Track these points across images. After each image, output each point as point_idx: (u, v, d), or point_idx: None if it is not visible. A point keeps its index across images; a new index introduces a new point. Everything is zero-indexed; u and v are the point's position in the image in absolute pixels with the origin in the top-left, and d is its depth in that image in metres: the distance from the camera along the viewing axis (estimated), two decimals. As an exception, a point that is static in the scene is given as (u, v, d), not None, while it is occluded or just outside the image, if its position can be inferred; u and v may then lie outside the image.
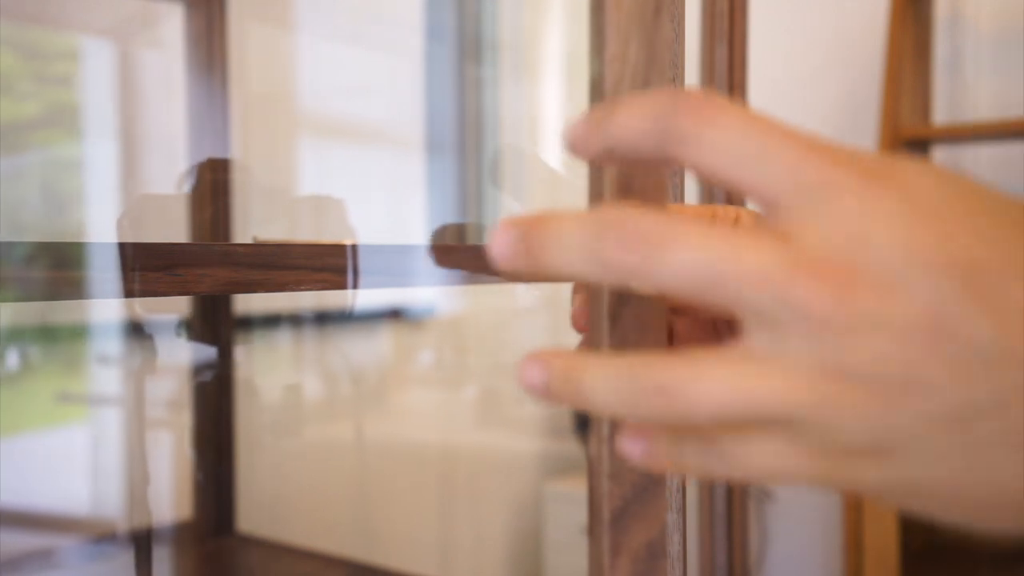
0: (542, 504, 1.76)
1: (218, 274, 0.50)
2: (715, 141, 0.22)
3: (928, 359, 0.21)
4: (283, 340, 1.46)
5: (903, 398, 0.21)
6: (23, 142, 2.16)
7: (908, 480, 0.22)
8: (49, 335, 0.62)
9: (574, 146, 0.24)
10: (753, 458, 0.23)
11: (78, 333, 0.64)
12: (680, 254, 0.21)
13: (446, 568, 1.73)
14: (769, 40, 1.70)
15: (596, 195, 0.25)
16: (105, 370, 1.78)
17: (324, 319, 1.37)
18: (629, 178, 0.24)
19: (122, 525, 0.61)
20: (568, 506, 1.70)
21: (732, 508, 0.85)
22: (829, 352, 0.21)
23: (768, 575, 1.75)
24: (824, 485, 0.23)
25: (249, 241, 0.70)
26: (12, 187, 2.18)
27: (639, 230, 0.22)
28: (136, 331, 0.59)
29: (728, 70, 0.84)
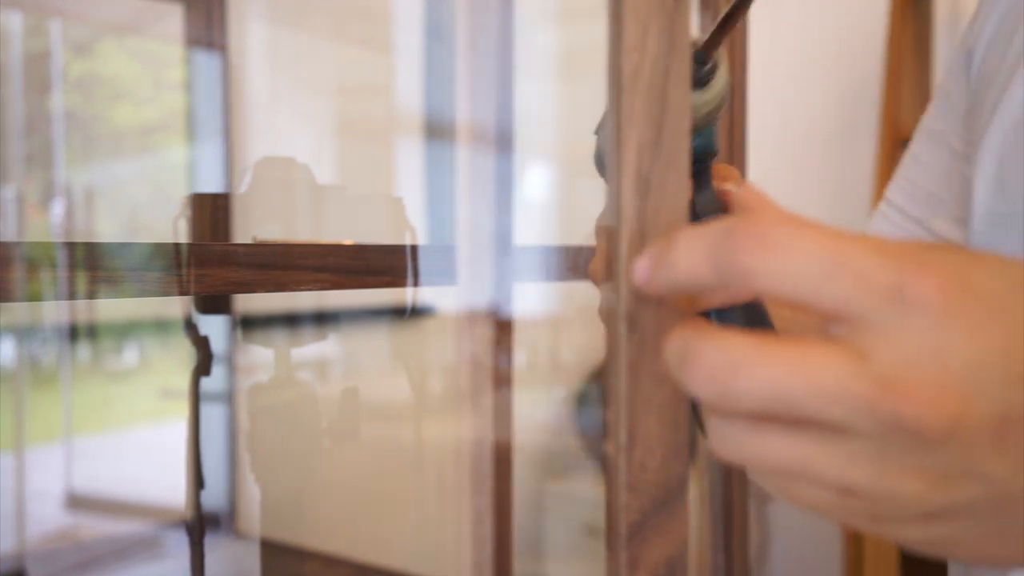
0: (542, 504, 1.76)
1: (218, 274, 0.49)
2: (776, 271, 0.22)
3: (990, 456, 0.22)
4: (341, 339, 1.45)
5: (960, 485, 0.23)
6: (144, 144, 2.19)
7: (947, 538, 0.24)
8: (165, 330, 0.62)
9: (640, 284, 0.25)
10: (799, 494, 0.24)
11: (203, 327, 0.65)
12: (753, 382, 0.22)
13: (446, 567, 1.73)
14: (769, 40, 1.70)
15: (615, 195, 0.24)
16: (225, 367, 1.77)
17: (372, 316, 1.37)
18: (648, 177, 0.24)
19: (181, 524, 0.61)
20: (568, 506, 1.69)
21: (732, 508, 0.84)
22: (905, 454, 0.22)
23: (768, 575, 1.74)
24: (866, 530, 0.25)
25: (249, 241, 0.70)
26: (134, 188, 2.20)
27: (709, 365, 0.23)
28: (190, 331, 0.59)
29: (728, 70, 0.83)
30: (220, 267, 0.49)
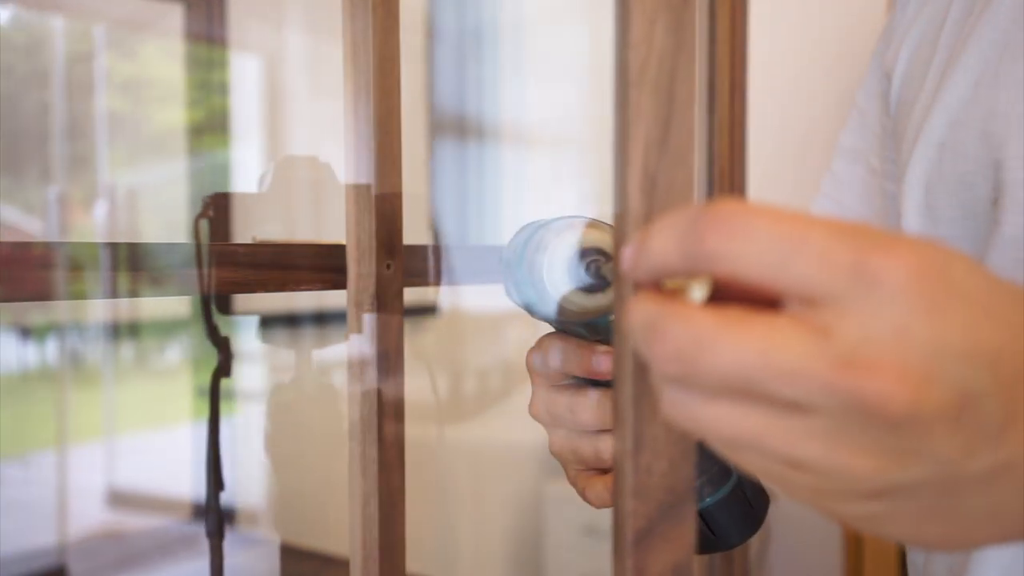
0: (542, 504, 1.75)
1: (217, 274, 0.49)
2: (738, 254, 0.22)
3: (944, 435, 0.22)
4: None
5: (910, 463, 0.23)
6: (186, 145, 2.21)
7: (884, 516, 0.24)
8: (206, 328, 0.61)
9: (628, 273, 0.25)
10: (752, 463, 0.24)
11: (231, 327, 0.64)
12: (717, 362, 0.22)
13: (446, 568, 1.73)
14: (769, 40, 1.70)
15: (621, 194, 0.24)
16: (249, 367, 1.78)
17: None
18: (654, 176, 0.24)
19: (202, 527, 0.61)
20: (568, 506, 1.69)
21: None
22: (861, 432, 0.22)
23: (768, 575, 1.74)
24: (807, 504, 0.25)
25: (249, 241, 0.70)
26: (176, 189, 2.22)
27: (674, 342, 0.23)
28: (211, 332, 0.59)
29: (728, 70, 0.83)
30: (218, 267, 0.49)
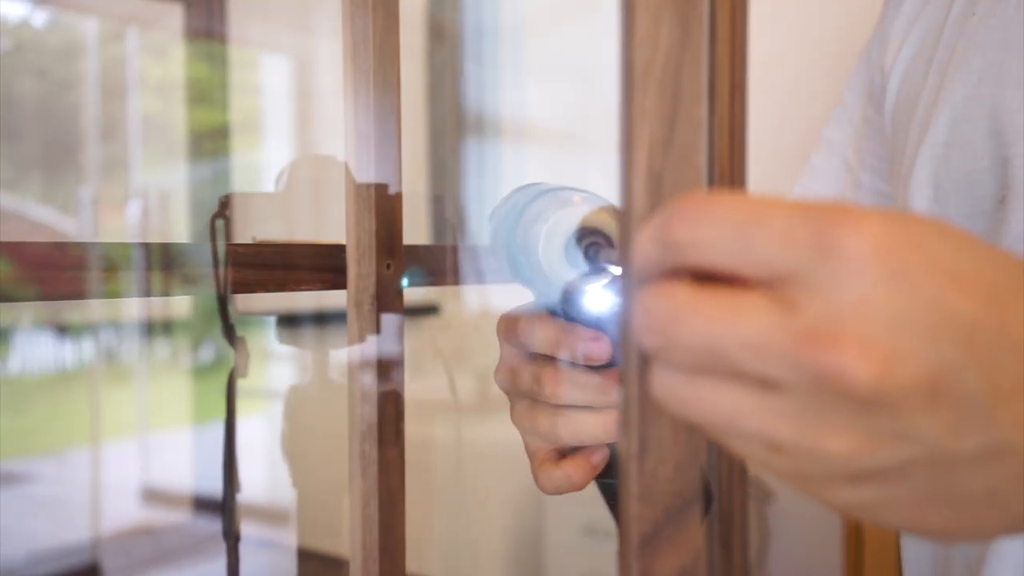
0: (542, 504, 1.75)
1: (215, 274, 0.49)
2: (702, 241, 0.22)
3: (921, 415, 0.21)
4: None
5: (889, 445, 0.22)
6: (219, 147, 2.23)
7: (880, 502, 0.23)
8: (245, 327, 0.61)
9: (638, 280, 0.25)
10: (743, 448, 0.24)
11: (247, 327, 0.64)
12: (689, 334, 0.22)
13: (446, 568, 1.72)
14: (769, 40, 1.70)
15: (626, 192, 0.24)
16: (281, 365, 1.79)
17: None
18: (660, 174, 0.24)
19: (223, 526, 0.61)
20: (568, 506, 1.69)
21: (732, 508, 0.84)
22: (831, 410, 0.22)
23: (768, 575, 1.74)
24: (798, 490, 0.24)
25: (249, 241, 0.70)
26: (208, 189, 2.23)
27: (652, 315, 0.23)
28: (228, 332, 0.58)
29: (728, 70, 0.83)
30: (218, 267, 0.49)
